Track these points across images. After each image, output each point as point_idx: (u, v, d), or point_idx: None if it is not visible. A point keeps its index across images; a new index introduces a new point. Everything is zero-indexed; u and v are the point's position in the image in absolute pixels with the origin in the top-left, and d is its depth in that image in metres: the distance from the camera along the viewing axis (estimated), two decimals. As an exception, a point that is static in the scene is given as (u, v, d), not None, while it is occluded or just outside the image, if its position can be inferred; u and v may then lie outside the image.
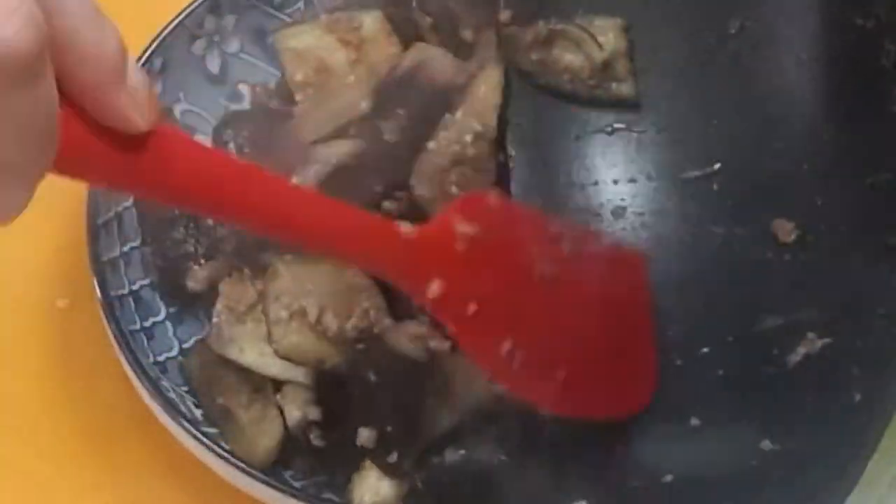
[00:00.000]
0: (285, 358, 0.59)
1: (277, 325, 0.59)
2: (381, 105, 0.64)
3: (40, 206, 0.74)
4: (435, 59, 0.66)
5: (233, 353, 0.61)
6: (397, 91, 0.65)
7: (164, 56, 0.68)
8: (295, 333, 0.59)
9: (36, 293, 0.70)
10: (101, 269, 0.62)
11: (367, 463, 0.58)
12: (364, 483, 0.58)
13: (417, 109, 0.63)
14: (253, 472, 0.57)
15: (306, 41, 0.69)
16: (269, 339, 0.59)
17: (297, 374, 0.60)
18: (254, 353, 0.61)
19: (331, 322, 0.58)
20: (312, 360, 0.59)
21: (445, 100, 0.64)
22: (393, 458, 0.57)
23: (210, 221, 0.65)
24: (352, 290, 0.59)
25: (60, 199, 0.73)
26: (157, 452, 0.65)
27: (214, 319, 0.61)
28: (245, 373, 0.61)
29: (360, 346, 0.58)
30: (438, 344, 0.58)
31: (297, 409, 0.60)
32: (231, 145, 0.67)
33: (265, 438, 0.60)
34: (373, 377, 0.58)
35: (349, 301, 0.59)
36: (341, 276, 0.59)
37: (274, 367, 0.60)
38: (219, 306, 0.61)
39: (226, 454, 0.57)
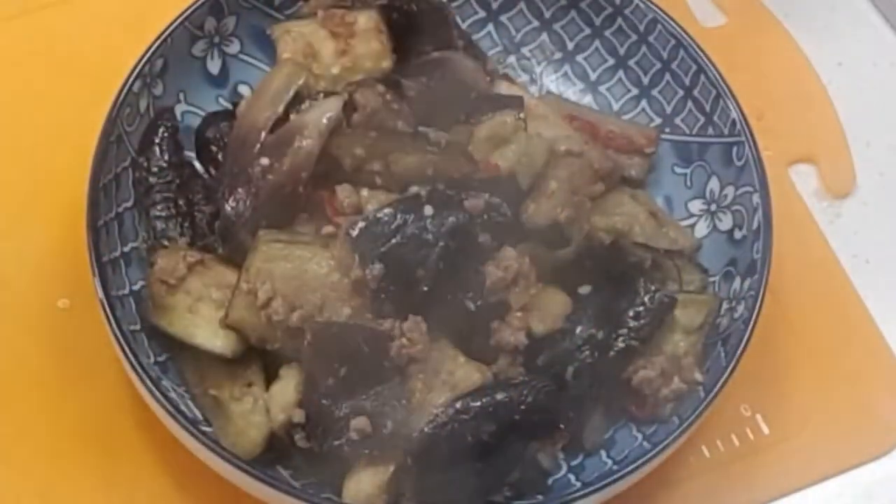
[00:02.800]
0: (230, 327, 0.61)
1: (237, 296, 0.60)
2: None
3: (41, 206, 0.75)
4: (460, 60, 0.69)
5: (163, 323, 0.62)
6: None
7: (164, 56, 0.69)
8: (244, 309, 0.60)
9: (36, 293, 0.70)
10: (102, 269, 0.62)
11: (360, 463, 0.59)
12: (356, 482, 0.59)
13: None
14: (253, 471, 0.57)
15: (301, 30, 0.70)
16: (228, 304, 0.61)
17: (218, 345, 0.61)
18: (182, 324, 0.62)
19: (278, 307, 0.59)
20: (255, 338, 0.61)
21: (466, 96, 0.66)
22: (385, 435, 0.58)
23: (204, 221, 0.66)
24: (315, 281, 0.60)
25: (60, 199, 0.74)
26: (157, 452, 0.65)
27: (148, 291, 0.63)
28: (235, 367, 0.62)
29: (309, 337, 0.59)
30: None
31: (282, 411, 0.60)
32: (212, 146, 0.68)
33: (253, 430, 0.61)
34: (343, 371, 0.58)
35: (305, 291, 0.60)
36: (312, 263, 0.60)
37: (199, 337, 0.62)
38: (151, 278, 0.63)
39: (226, 454, 0.57)
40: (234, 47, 0.73)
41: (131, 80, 0.66)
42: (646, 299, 0.63)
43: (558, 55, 0.77)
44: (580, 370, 0.61)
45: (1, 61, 0.78)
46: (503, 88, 0.70)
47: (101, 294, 0.60)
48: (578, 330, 0.62)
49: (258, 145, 0.64)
